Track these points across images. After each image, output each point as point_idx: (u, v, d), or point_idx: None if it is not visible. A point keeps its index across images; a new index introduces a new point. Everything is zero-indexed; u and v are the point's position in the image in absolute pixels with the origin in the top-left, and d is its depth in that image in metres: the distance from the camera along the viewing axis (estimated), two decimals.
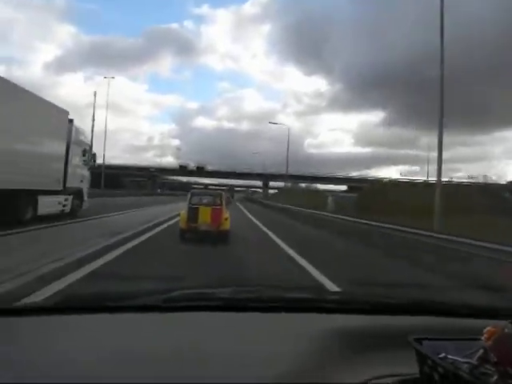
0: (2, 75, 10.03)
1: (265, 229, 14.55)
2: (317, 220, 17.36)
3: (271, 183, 76.65)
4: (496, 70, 63.33)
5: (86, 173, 15.50)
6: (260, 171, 70.07)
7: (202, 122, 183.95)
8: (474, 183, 34.95)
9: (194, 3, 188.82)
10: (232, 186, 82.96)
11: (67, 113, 13.29)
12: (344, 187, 67.02)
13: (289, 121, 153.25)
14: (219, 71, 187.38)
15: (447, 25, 12.93)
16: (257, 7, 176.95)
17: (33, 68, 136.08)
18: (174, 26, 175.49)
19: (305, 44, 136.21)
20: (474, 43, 65.92)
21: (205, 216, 9.69)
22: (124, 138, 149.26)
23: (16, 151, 10.13)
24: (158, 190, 77.84)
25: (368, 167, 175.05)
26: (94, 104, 44.17)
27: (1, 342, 0.96)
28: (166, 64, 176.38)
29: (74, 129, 13.74)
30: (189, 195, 10.52)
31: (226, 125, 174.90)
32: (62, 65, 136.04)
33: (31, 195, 10.96)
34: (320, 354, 0.92)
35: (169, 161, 78.68)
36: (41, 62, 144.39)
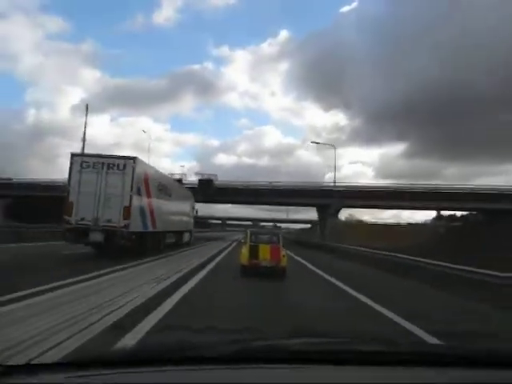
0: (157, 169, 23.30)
1: None
2: None
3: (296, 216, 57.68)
4: None
5: (193, 220, 28.49)
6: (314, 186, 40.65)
7: (222, 158, 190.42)
8: None
9: (213, 45, 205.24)
10: (256, 221, 57.59)
11: (192, 193, 26.77)
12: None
13: (309, 155, 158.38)
14: (239, 109, 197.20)
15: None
16: (274, 46, 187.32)
17: (61, 111, 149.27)
18: (195, 67, 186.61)
19: (323, 80, 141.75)
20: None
21: (264, 253, 10.61)
22: None
23: (181, 216, 23.17)
24: None
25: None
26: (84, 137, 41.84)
27: None
28: (187, 104, 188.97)
29: (193, 198, 27.04)
30: (248, 234, 11.46)
31: (246, 161, 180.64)
32: (88, 106, 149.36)
33: (182, 233, 23.78)
34: None
35: None
36: (68, 104, 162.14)
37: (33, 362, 1.26)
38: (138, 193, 14.01)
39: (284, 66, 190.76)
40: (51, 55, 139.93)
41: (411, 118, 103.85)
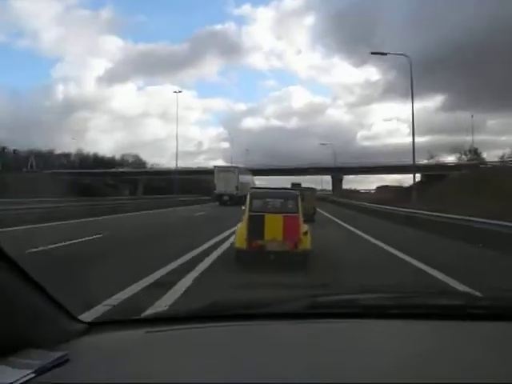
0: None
1: None
2: None
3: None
4: None
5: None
6: None
7: (250, 122, 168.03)
8: None
9: (234, 4, 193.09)
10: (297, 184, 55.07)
11: (251, 171, 48.64)
12: None
13: (340, 113, 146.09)
14: (265, 70, 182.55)
15: None
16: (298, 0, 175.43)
17: (87, 84, 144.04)
18: (217, 28, 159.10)
19: (352, 33, 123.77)
20: None
21: (274, 229, 6.77)
22: (175, 145, 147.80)
23: (246, 186, 44.04)
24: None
25: (426, 157, 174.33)
26: None
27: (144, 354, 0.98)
28: (211, 68, 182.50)
29: (251, 173, 48.94)
30: (247, 197, 7.53)
31: (275, 123, 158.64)
32: (113, 77, 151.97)
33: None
34: (480, 363, 0.89)
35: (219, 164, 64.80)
36: (93, 76, 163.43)
37: (113, 319, 1.34)
38: (238, 179, 35.53)
39: (310, 20, 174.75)
40: (72, 27, 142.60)
41: (452, 67, 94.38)
